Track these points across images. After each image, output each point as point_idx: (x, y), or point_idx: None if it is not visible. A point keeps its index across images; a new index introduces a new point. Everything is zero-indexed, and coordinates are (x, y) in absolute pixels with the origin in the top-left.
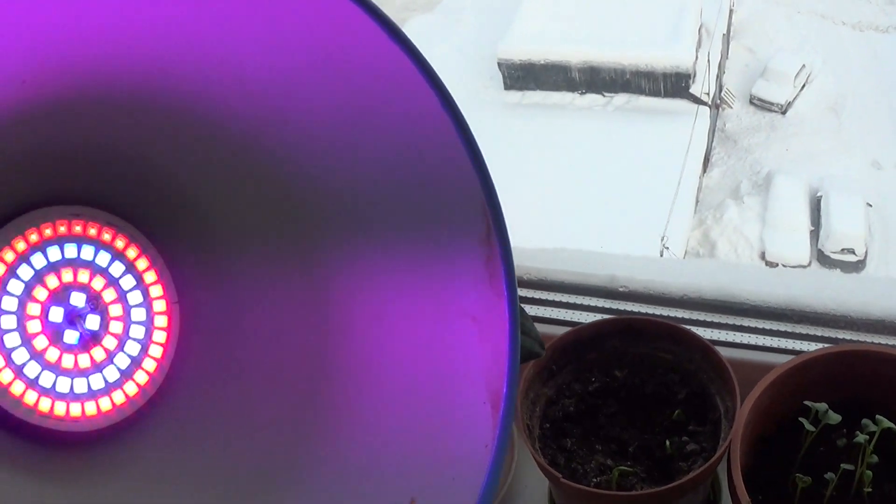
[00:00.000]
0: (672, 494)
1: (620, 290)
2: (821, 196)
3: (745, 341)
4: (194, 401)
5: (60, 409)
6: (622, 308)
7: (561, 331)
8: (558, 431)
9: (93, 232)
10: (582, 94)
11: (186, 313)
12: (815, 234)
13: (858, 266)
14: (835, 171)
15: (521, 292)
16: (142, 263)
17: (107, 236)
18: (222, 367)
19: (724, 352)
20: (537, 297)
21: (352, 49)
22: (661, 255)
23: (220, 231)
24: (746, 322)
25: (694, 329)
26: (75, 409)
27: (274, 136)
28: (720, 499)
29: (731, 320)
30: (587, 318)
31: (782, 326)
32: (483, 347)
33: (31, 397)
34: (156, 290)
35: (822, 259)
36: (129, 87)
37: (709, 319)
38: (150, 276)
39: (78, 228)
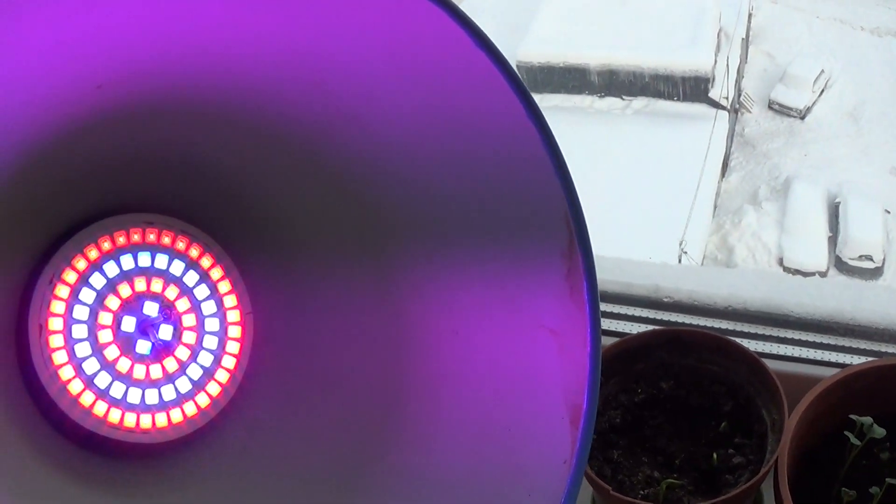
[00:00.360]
0: None
1: (665, 300)
2: (839, 202)
3: (790, 353)
4: (267, 412)
5: (131, 420)
6: (665, 318)
7: (605, 341)
8: (605, 443)
9: (167, 240)
10: (601, 97)
11: (260, 324)
12: (832, 240)
13: (876, 273)
14: (853, 177)
15: None
16: (216, 273)
17: (181, 245)
18: (295, 379)
19: (768, 364)
20: None
21: (436, 54)
22: (680, 261)
23: (295, 241)
24: (791, 334)
25: (738, 341)
26: (146, 421)
27: (355, 146)
28: None
29: (775, 332)
30: (630, 327)
31: (827, 339)
32: (562, 361)
33: (100, 408)
34: (230, 301)
35: (840, 266)
36: (206, 94)
37: (753, 331)
38: (224, 286)
39: (152, 237)
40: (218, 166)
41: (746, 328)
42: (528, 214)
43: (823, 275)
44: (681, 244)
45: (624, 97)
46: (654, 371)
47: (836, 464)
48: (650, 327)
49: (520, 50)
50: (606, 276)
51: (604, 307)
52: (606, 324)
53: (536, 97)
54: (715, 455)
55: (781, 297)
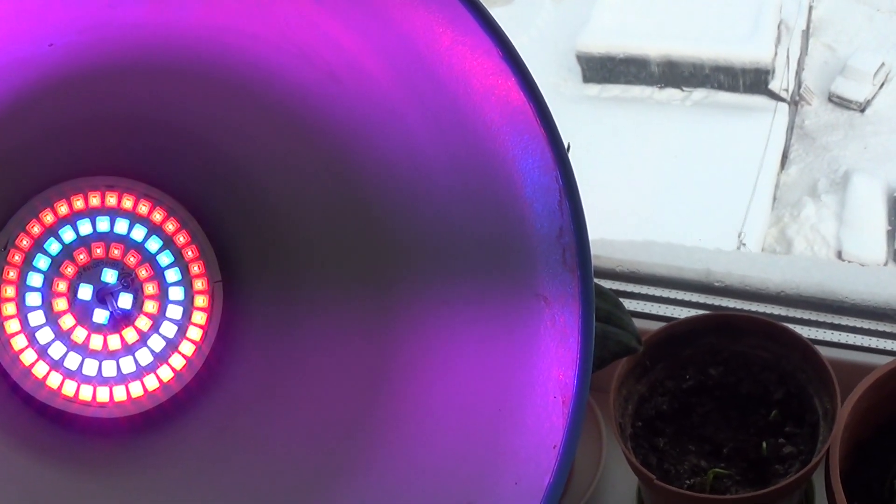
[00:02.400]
0: (768, 498)
1: (716, 284)
2: None
3: (843, 340)
4: (238, 392)
5: (87, 393)
6: (716, 303)
7: (653, 325)
8: (650, 430)
9: (128, 204)
10: (661, 88)
11: (233, 295)
12: (891, 233)
13: None
14: None
15: (613, 285)
16: (181, 238)
17: (143, 209)
18: (273, 359)
19: (821, 351)
20: (629, 290)
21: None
22: (738, 251)
23: (280, 216)
24: (845, 321)
25: (790, 327)
26: (103, 394)
27: (358, 141)
28: (813, 502)
29: (828, 318)
30: (680, 312)
31: (882, 326)
32: (555, 334)
33: (55, 380)
34: (196, 268)
35: None
36: (176, 52)
37: (805, 317)
38: (189, 253)
39: (112, 200)
40: (188, 128)
41: (799, 314)
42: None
43: (862, 266)
44: (739, 236)
45: (684, 88)
46: (703, 357)
47: (890, 454)
48: (700, 312)
49: (580, 40)
50: (657, 260)
51: (654, 291)
52: (655, 308)
53: (596, 88)
54: (764, 444)
55: (835, 283)
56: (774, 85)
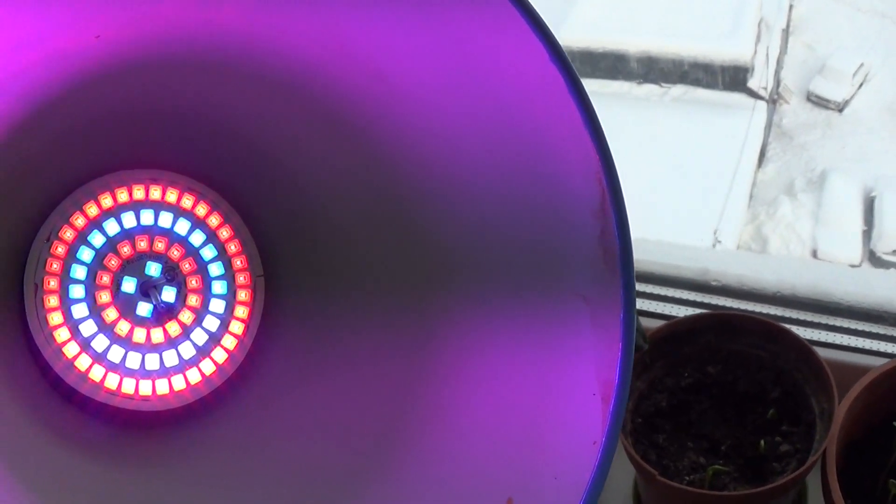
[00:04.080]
0: (766, 495)
1: (713, 283)
2: (874, 196)
3: (838, 342)
4: (276, 387)
5: (129, 386)
6: (713, 302)
7: (649, 322)
8: (650, 427)
9: (172, 197)
10: (640, 83)
11: (274, 290)
12: (867, 234)
13: None
14: (890, 172)
15: None
16: (224, 233)
17: (187, 202)
18: (310, 357)
19: (818, 352)
20: None
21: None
22: (714, 248)
23: (320, 217)
24: (840, 322)
25: (788, 327)
26: (145, 387)
27: (402, 142)
28: (807, 500)
29: (823, 319)
30: (677, 310)
31: (877, 328)
32: (595, 333)
33: (97, 372)
34: (238, 262)
35: (874, 259)
36: (224, 51)
37: (801, 318)
38: (232, 247)
39: (156, 193)
40: (234, 124)
41: (794, 314)
42: (573, 238)
43: (857, 268)
44: (715, 233)
45: (662, 84)
46: (702, 355)
47: (883, 454)
48: (696, 310)
49: (559, 34)
50: (655, 258)
51: (651, 289)
52: (653, 306)
53: None
54: (762, 442)
55: (830, 284)
56: (753, 83)
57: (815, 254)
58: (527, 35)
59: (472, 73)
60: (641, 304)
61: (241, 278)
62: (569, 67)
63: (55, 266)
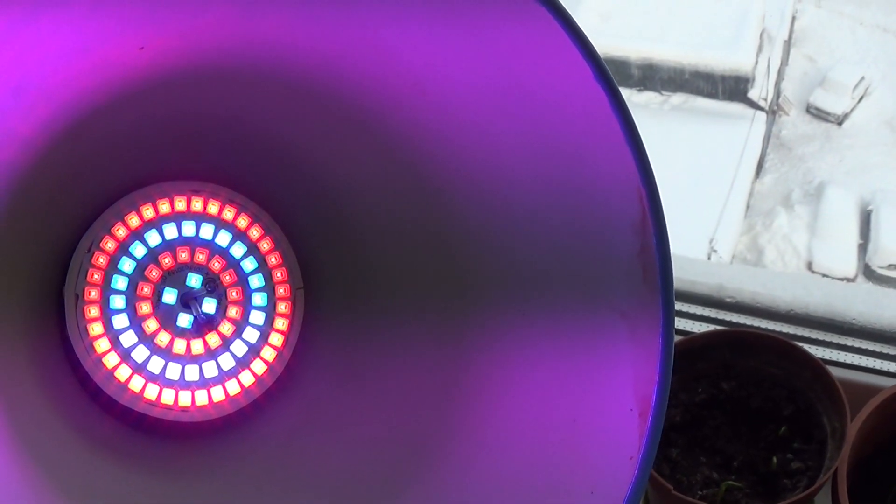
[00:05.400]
0: None
1: (727, 300)
2: (871, 210)
3: (851, 361)
4: (316, 398)
5: (169, 397)
6: (726, 318)
7: None
8: (664, 441)
9: (213, 209)
10: (640, 90)
11: (313, 302)
12: (863, 247)
13: None
14: (887, 186)
15: None
16: (265, 245)
17: (228, 214)
18: (348, 368)
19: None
20: None
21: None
22: (709, 258)
23: (361, 232)
24: (852, 342)
25: (801, 346)
26: (185, 398)
27: (442, 155)
28: None
29: (835, 339)
30: (690, 325)
31: (889, 349)
32: (633, 348)
33: (137, 383)
34: (279, 274)
35: (869, 273)
36: (267, 63)
37: (814, 336)
38: (273, 259)
39: (197, 205)
40: (274, 136)
41: (808, 333)
42: (610, 251)
43: (851, 281)
44: (711, 242)
45: (663, 92)
46: (716, 371)
47: (894, 473)
48: (710, 326)
49: None
50: None
51: None
52: None
53: None
54: (774, 459)
55: (844, 304)
56: (753, 93)
57: (810, 266)
58: (570, 51)
59: (514, 88)
60: None
61: (281, 290)
62: (612, 84)
63: (96, 277)
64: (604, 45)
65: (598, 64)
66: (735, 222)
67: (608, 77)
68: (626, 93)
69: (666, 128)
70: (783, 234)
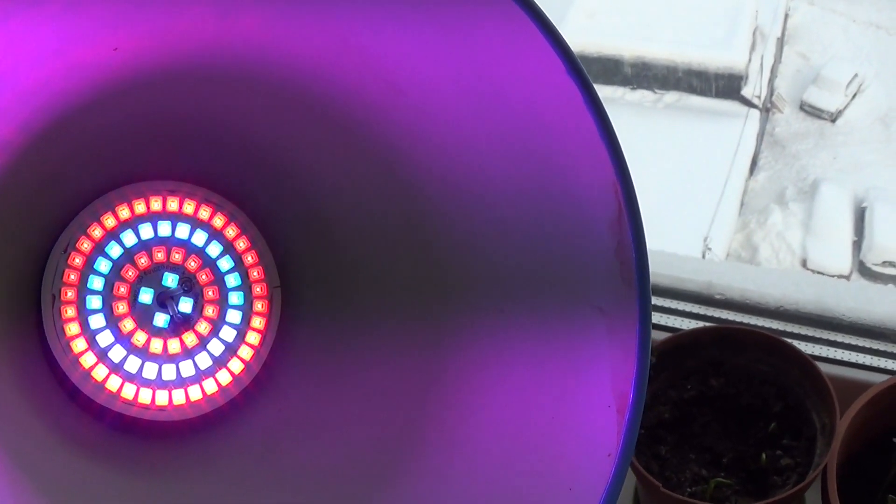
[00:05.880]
0: None
1: (717, 297)
2: (865, 207)
3: (840, 357)
4: (293, 396)
5: (146, 396)
6: (716, 315)
7: (652, 334)
8: (653, 438)
9: (189, 209)
10: (633, 89)
11: (289, 303)
12: (857, 244)
13: None
14: (881, 183)
15: None
16: (241, 244)
17: (204, 214)
18: (326, 367)
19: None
20: None
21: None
22: (703, 256)
23: (337, 228)
24: (842, 338)
25: (790, 342)
26: (162, 398)
27: (419, 154)
28: None
29: (826, 335)
30: (679, 322)
31: (878, 345)
32: (611, 344)
33: (114, 383)
34: (255, 273)
35: (863, 270)
36: (242, 63)
37: (803, 333)
38: (249, 258)
39: (173, 205)
40: (251, 136)
41: (797, 329)
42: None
43: (846, 278)
44: (705, 240)
45: (656, 90)
46: (705, 368)
47: (883, 469)
48: (699, 323)
49: None
50: (658, 270)
51: (654, 300)
52: (655, 318)
53: None
54: (763, 456)
55: (834, 300)
56: (747, 91)
57: (804, 263)
58: (543, 48)
59: (488, 86)
60: None
61: (257, 289)
62: (585, 80)
63: (72, 277)
64: (597, 44)
65: (571, 59)
66: (729, 220)
67: (581, 72)
68: (619, 91)
69: (660, 126)
70: (777, 231)
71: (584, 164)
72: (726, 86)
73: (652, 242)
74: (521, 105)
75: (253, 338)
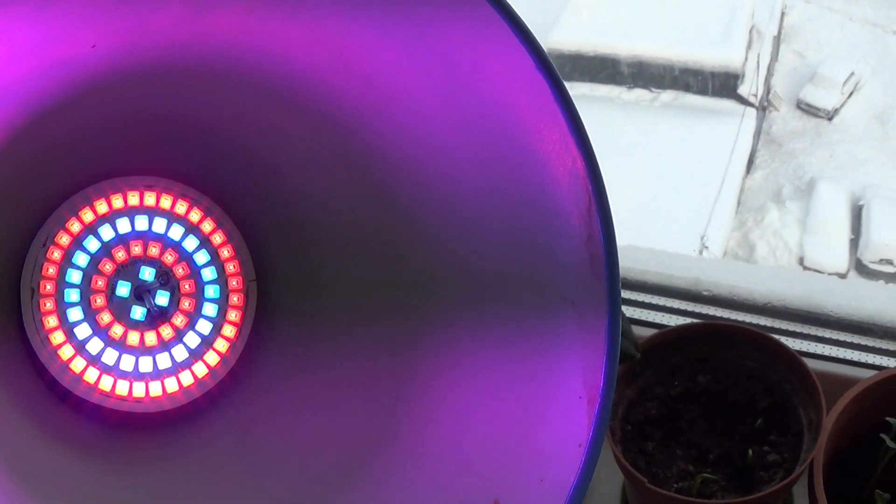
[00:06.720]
0: None
1: (704, 293)
2: (862, 205)
3: (827, 353)
4: (269, 390)
5: (123, 388)
6: (703, 312)
7: (640, 331)
8: (639, 434)
9: (166, 203)
10: (630, 88)
11: (266, 298)
12: (854, 242)
13: None
14: (878, 181)
15: None
16: (217, 238)
17: (181, 208)
18: (303, 357)
19: (806, 363)
20: None
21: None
22: (701, 254)
23: (314, 226)
24: (829, 334)
25: (777, 338)
26: (139, 389)
27: (392, 148)
28: None
29: (813, 331)
30: (667, 319)
31: (866, 341)
32: (582, 336)
33: (92, 375)
34: (231, 267)
35: (860, 268)
36: (218, 60)
37: (791, 329)
38: (225, 252)
39: (150, 200)
40: (227, 133)
41: (784, 325)
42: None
43: (843, 276)
44: (702, 238)
45: (652, 89)
46: (692, 364)
47: (870, 466)
48: (687, 320)
49: (551, 38)
50: (646, 267)
51: (642, 297)
52: (644, 314)
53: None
54: (750, 452)
55: (821, 296)
56: (743, 89)
57: (801, 261)
58: (512, 43)
59: (458, 81)
60: (632, 312)
61: (233, 283)
62: (554, 74)
63: (51, 270)
64: (593, 44)
65: (541, 55)
66: (726, 218)
67: (551, 68)
68: (616, 91)
69: (656, 125)
70: (774, 229)
71: (554, 159)
72: (723, 84)
73: (648, 241)
74: (491, 101)
75: (229, 331)
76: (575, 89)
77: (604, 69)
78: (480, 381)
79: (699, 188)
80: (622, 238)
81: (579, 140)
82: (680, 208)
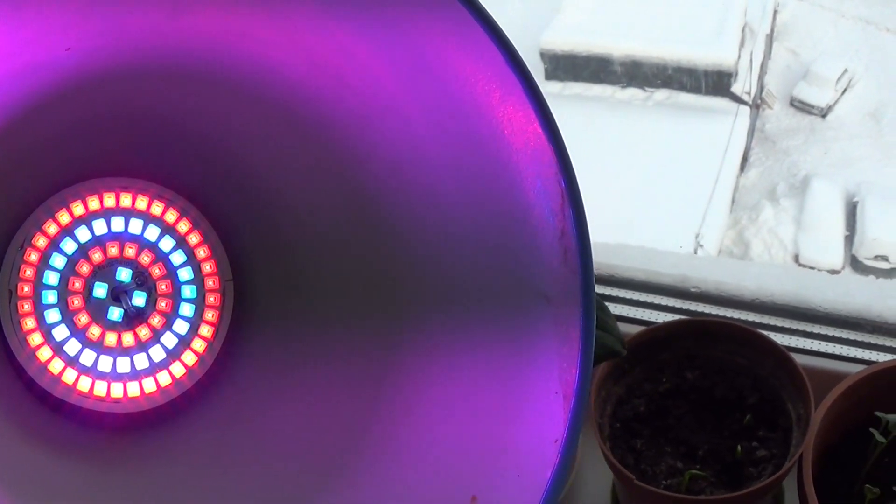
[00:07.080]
0: (743, 500)
1: (692, 290)
2: (857, 202)
3: (815, 348)
4: (247, 390)
5: (101, 388)
6: (692, 308)
7: (628, 328)
8: (628, 431)
9: (142, 205)
10: (623, 87)
11: (243, 298)
12: (849, 239)
13: (891, 274)
14: (872, 178)
15: None
16: (193, 238)
17: (157, 209)
18: (280, 358)
19: (795, 358)
20: (605, 293)
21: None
22: (696, 252)
23: (290, 225)
24: (817, 329)
25: (765, 334)
26: (117, 390)
27: (368, 147)
28: None
29: (801, 326)
30: (656, 316)
31: (854, 335)
32: (557, 332)
33: (70, 376)
34: (208, 267)
35: (855, 265)
36: (193, 61)
37: (779, 324)
38: (201, 252)
39: (126, 201)
40: (203, 133)
41: (773, 321)
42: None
43: (838, 273)
44: (697, 237)
45: (646, 88)
46: (680, 361)
47: (859, 461)
48: (676, 316)
49: (544, 38)
50: (634, 264)
51: (630, 295)
52: (633, 312)
53: (558, 85)
54: (739, 447)
55: (809, 292)
56: (737, 88)
57: (797, 259)
58: (483, 40)
59: (433, 83)
60: (621, 309)
61: (210, 283)
62: (525, 71)
63: (28, 272)
64: (586, 43)
65: (511, 52)
66: (721, 217)
67: (521, 65)
68: (609, 90)
69: (650, 124)
70: (769, 227)
71: (527, 156)
72: (716, 83)
73: (642, 240)
74: (463, 98)
75: (206, 331)
76: (569, 89)
77: (597, 68)
78: (458, 379)
79: (693, 187)
80: (614, 237)
81: (551, 137)
82: (674, 207)
